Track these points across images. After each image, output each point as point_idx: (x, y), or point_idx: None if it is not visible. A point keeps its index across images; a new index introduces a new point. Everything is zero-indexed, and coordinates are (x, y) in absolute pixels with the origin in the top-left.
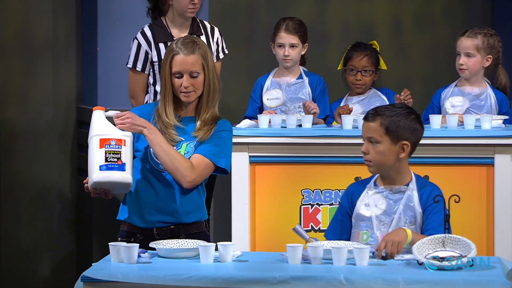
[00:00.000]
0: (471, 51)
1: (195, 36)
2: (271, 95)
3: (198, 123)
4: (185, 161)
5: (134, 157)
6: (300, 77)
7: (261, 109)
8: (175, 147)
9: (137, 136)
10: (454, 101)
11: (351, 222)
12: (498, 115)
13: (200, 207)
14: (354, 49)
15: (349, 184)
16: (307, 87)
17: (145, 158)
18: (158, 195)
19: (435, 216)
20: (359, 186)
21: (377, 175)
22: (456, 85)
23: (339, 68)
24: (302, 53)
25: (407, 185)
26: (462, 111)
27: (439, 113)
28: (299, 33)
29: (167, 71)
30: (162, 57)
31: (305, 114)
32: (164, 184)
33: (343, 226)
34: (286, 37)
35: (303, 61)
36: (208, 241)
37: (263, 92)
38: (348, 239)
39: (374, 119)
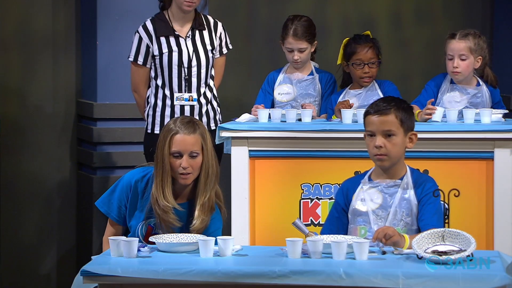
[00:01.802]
0: (465, 53)
1: (193, 117)
2: (282, 90)
3: (197, 208)
4: None
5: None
6: (311, 73)
7: (274, 102)
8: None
9: (129, 216)
10: (453, 97)
11: (347, 218)
12: (498, 109)
13: None
14: (356, 43)
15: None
16: (318, 83)
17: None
18: None
19: (429, 207)
20: (353, 181)
21: (372, 169)
22: (451, 82)
23: (338, 62)
24: (312, 50)
25: (402, 178)
26: (460, 107)
27: (435, 96)
28: (307, 36)
29: (166, 151)
30: (163, 51)
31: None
32: None
33: (339, 222)
34: (294, 43)
35: (311, 55)
36: None
37: (275, 86)
38: (345, 235)
39: (389, 112)
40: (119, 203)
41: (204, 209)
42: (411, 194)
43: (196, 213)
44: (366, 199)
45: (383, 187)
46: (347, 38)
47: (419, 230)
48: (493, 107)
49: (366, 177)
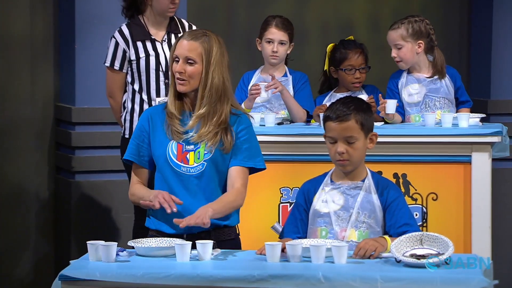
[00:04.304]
0: (398, 42)
1: (209, 30)
2: None
3: (192, 118)
4: (239, 197)
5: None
6: (285, 75)
7: None
8: (192, 146)
9: (157, 144)
10: (411, 89)
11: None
12: (475, 114)
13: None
14: (347, 48)
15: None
16: (291, 84)
17: (166, 167)
18: (186, 203)
19: (402, 212)
20: (314, 183)
21: (332, 170)
22: (408, 73)
23: (325, 68)
24: (288, 51)
25: (363, 180)
26: (420, 98)
27: (397, 95)
28: (288, 30)
29: (171, 55)
30: (140, 56)
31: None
32: (191, 191)
33: (303, 224)
34: (276, 33)
35: (285, 60)
36: (239, 248)
37: (249, 87)
38: (305, 236)
39: (349, 117)
40: (138, 142)
41: (203, 122)
42: (374, 196)
43: (190, 123)
44: (327, 200)
45: (345, 188)
46: (332, 44)
47: (383, 232)
48: (456, 95)
49: (328, 178)
